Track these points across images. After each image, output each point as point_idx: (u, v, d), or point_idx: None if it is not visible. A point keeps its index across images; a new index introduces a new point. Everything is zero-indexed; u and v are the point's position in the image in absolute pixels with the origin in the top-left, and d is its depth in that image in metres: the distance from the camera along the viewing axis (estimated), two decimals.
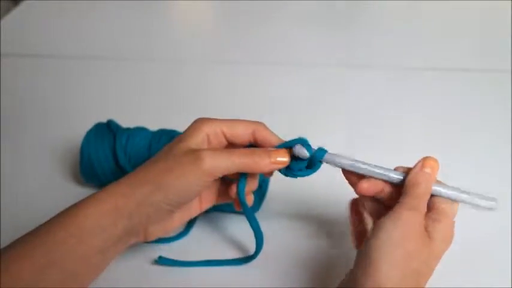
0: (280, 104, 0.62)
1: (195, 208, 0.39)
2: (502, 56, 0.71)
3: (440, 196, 0.34)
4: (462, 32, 0.80)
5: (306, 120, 0.59)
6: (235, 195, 0.38)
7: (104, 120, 0.49)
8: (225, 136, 0.37)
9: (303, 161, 0.36)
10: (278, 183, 0.47)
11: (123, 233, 0.34)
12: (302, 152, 0.36)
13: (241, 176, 0.37)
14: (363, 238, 0.38)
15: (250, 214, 0.39)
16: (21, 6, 0.90)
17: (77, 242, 0.32)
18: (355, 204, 0.40)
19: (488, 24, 0.83)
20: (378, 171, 0.35)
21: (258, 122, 0.37)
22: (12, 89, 0.67)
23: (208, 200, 0.40)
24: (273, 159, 0.35)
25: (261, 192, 0.46)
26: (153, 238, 0.36)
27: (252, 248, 0.41)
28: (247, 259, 0.41)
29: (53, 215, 0.34)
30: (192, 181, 0.34)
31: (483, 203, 0.34)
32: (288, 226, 0.45)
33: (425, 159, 0.35)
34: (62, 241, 0.32)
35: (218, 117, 0.37)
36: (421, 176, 0.34)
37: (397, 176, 0.35)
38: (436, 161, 0.35)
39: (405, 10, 0.88)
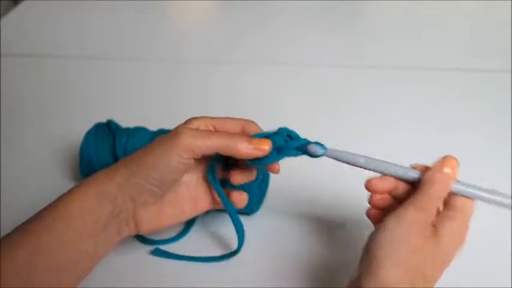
0: (280, 104, 0.62)
1: (188, 208, 0.39)
2: (502, 56, 0.71)
3: (458, 193, 0.33)
4: (462, 32, 0.80)
5: (306, 120, 0.59)
6: (240, 202, 0.38)
7: (104, 120, 0.49)
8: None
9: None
10: (278, 183, 0.48)
11: (110, 217, 0.34)
12: (316, 150, 0.35)
13: (213, 159, 0.37)
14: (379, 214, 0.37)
15: (227, 204, 0.38)
16: (21, 6, 0.90)
17: (65, 227, 0.32)
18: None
19: (488, 24, 0.83)
20: (392, 169, 0.34)
21: (249, 119, 0.38)
22: (12, 89, 0.67)
23: (204, 201, 0.39)
24: (253, 145, 0.35)
25: (261, 192, 0.46)
26: (145, 230, 0.36)
27: (251, 250, 0.41)
28: (230, 254, 0.41)
29: None
30: (171, 157, 0.34)
31: (503, 200, 0.33)
32: (289, 226, 0.45)
33: (446, 158, 0.34)
34: (50, 227, 0.32)
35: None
36: (439, 175, 0.33)
37: (412, 175, 0.34)
38: (456, 160, 0.34)
39: (405, 10, 0.88)
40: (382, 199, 0.36)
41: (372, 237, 0.31)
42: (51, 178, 0.51)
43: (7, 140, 0.57)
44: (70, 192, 0.34)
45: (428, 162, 0.36)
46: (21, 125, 0.60)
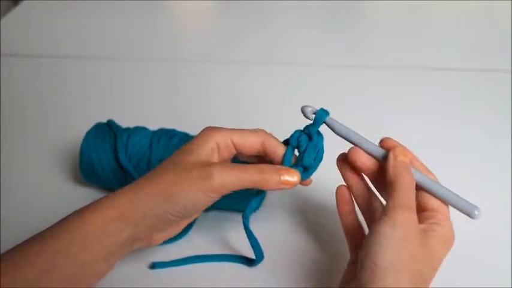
0: (280, 104, 0.62)
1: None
2: (502, 56, 0.71)
3: (429, 192, 0.34)
4: (462, 32, 0.80)
5: (306, 120, 0.59)
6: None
7: (104, 120, 0.49)
8: (234, 146, 0.36)
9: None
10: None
11: (127, 240, 0.33)
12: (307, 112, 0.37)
13: (247, 211, 0.38)
14: (354, 233, 0.38)
15: (250, 234, 0.39)
16: (21, 6, 0.90)
17: (80, 249, 0.31)
18: (342, 192, 0.38)
19: (488, 24, 0.83)
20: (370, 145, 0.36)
21: (267, 133, 0.37)
22: (12, 89, 0.67)
23: None
24: (282, 178, 0.35)
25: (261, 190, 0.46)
26: (157, 243, 0.36)
27: (248, 250, 0.41)
28: (244, 261, 0.41)
29: (53, 215, 0.33)
30: (200, 196, 0.33)
31: (468, 208, 0.33)
32: (288, 224, 0.45)
33: (393, 149, 0.34)
34: (65, 247, 0.31)
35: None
36: (399, 166, 0.33)
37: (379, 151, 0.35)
38: (405, 147, 0.35)
39: (405, 10, 0.88)
40: (355, 181, 0.37)
41: (369, 244, 0.31)
42: (51, 178, 0.51)
43: (7, 140, 0.57)
44: (87, 211, 0.33)
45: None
46: (21, 125, 0.60)
